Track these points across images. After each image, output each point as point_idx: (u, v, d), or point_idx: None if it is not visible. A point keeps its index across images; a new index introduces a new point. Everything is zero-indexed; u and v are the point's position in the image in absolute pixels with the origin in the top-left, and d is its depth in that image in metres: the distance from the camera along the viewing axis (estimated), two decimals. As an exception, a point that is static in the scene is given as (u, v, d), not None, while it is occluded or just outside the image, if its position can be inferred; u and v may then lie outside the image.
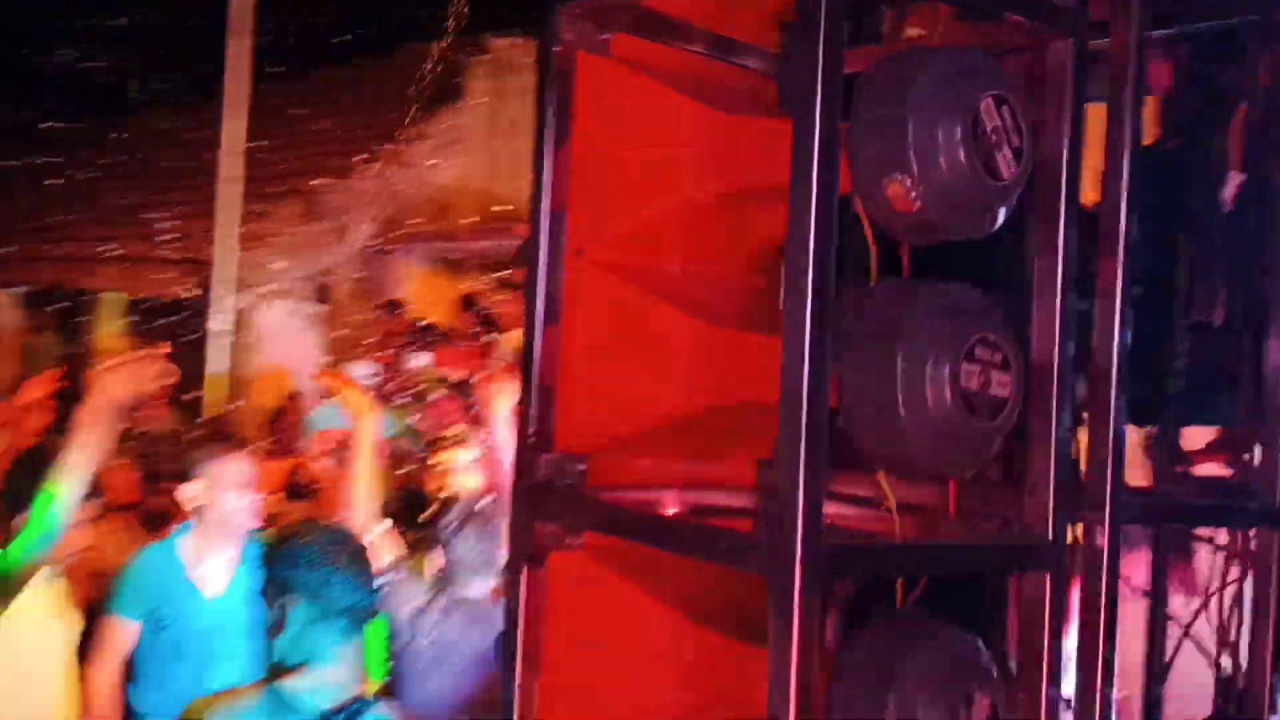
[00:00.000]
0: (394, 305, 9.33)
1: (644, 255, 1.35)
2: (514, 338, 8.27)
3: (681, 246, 1.36)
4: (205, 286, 9.39)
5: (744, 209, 1.50)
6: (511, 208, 9.69)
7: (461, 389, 7.52)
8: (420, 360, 7.60)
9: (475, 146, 10.40)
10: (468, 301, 8.93)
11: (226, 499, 3.70)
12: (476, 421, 7.52)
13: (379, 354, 8.08)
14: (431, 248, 10.21)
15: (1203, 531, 2.51)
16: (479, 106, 10.37)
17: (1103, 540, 1.84)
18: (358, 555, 2.32)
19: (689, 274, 1.39)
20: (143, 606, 3.69)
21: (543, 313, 1.38)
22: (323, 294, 10.31)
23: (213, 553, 3.73)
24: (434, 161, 10.51)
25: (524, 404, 1.74)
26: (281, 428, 7.21)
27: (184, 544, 3.77)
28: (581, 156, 1.55)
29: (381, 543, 3.58)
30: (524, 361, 1.60)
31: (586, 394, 1.62)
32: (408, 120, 10.59)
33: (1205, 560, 2.45)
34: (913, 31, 2.01)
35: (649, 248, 1.35)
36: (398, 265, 10.28)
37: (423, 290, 10.18)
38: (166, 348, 3.11)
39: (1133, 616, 2.42)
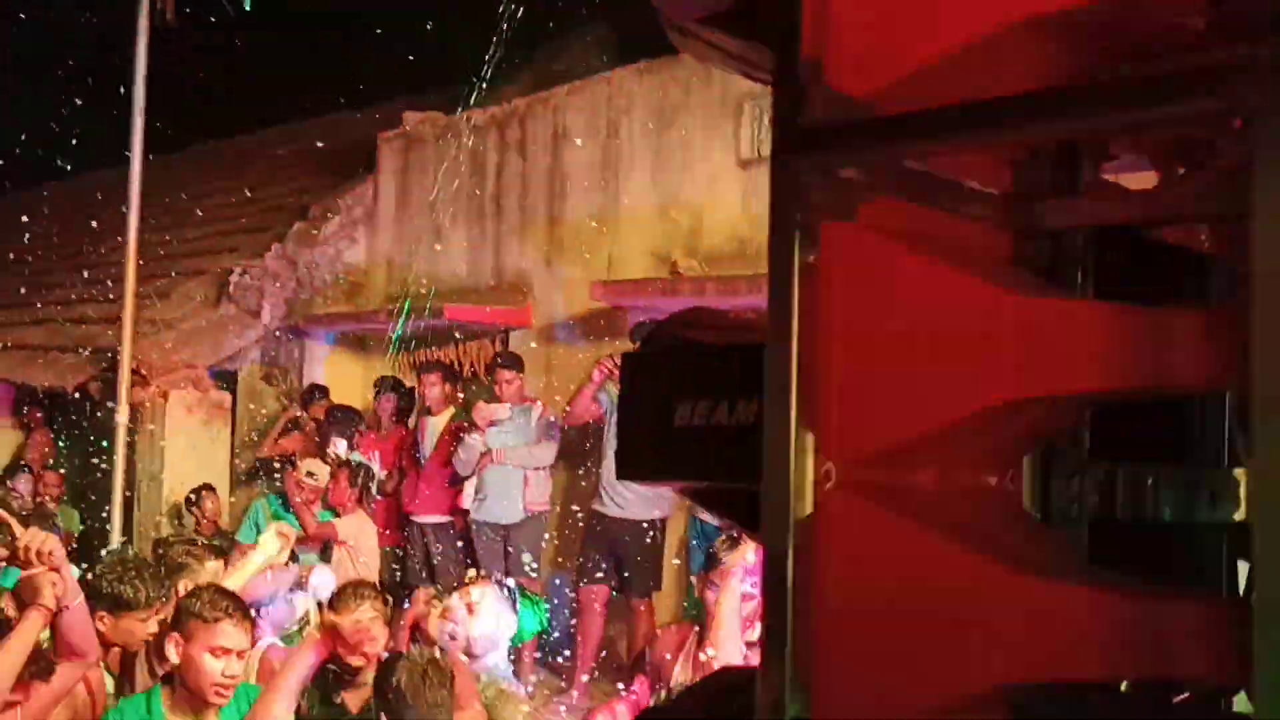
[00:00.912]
0: (316, 391, 8.88)
1: (900, 472, 0.99)
2: (439, 423, 7.94)
3: (941, 458, 0.99)
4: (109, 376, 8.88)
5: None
6: (425, 288, 9.40)
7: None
8: (339, 447, 7.20)
9: (386, 223, 10.07)
10: (387, 384, 8.54)
11: (205, 660, 3.32)
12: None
13: (300, 448, 7.64)
14: (342, 329, 9.82)
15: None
16: (390, 182, 10.06)
17: None
18: None
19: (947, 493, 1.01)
20: None
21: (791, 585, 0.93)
22: (230, 381, 9.82)
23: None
24: (344, 240, 10.14)
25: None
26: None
27: (162, 702, 3.39)
28: (833, 350, 1.07)
29: None
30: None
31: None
32: (318, 197, 10.22)
33: None
34: None
35: (906, 463, 0.99)
36: (308, 349, 9.85)
37: (335, 374, 9.77)
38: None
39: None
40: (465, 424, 7.46)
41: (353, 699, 3.65)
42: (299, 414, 8.27)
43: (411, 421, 8.43)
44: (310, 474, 6.84)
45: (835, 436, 1.01)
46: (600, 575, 7.02)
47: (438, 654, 3.49)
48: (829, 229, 1.03)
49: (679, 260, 7.50)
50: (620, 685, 5.91)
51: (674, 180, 7.92)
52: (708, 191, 7.72)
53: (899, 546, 0.94)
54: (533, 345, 8.37)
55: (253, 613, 3.66)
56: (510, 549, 7.28)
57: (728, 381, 1.36)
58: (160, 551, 4.94)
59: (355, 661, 3.65)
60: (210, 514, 8.81)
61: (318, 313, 9.71)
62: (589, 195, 8.47)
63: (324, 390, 8.83)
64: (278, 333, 9.88)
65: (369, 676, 3.62)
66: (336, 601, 3.76)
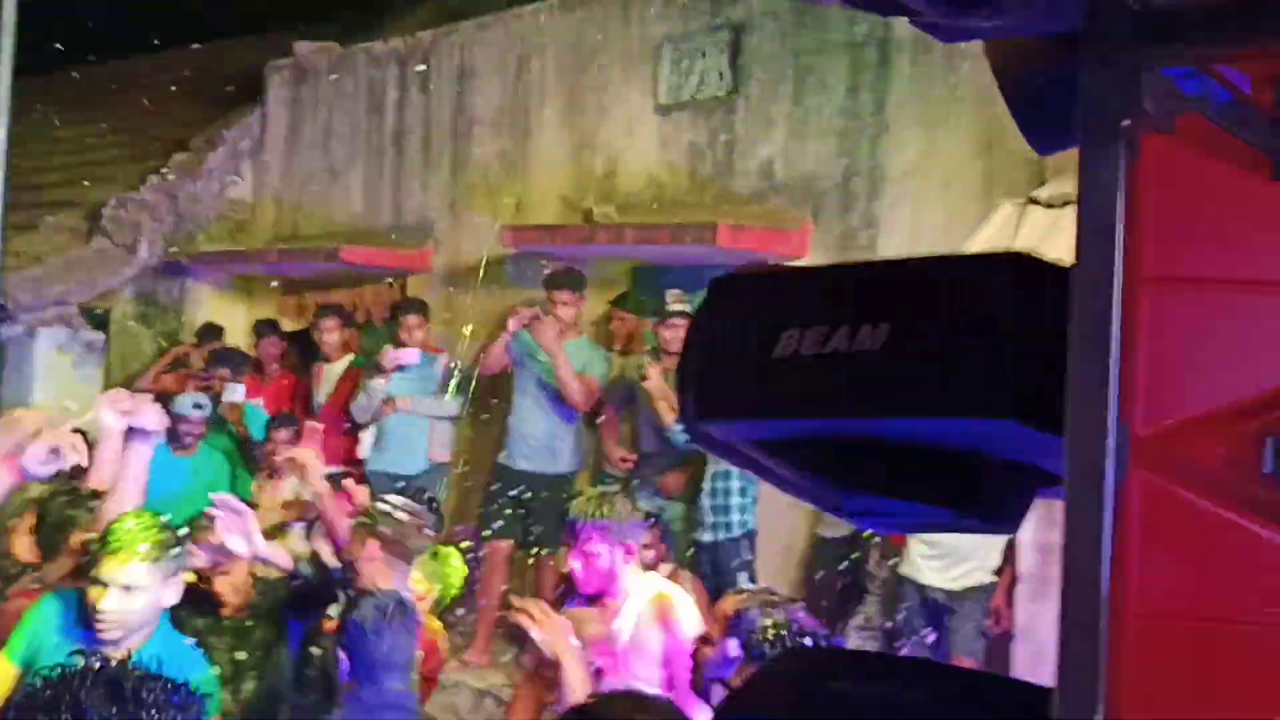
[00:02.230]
0: (210, 331, 8.36)
1: (1213, 445, 0.79)
2: (335, 370, 7.57)
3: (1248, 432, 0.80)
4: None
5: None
6: (317, 229, 8.96)
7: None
8: (235, 394, 6.79)
9: (275, 158, 9.56)
10: (269, 328, 8.12)
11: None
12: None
13: (199, 384, 7.18)
14: (227, 269, 9.30)
15: None
16: (279, 115, 9.53)
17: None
18: None
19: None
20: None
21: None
22: (102, 321, 9.24)
23: None
24: (229, 175, 9.60)
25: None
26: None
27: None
28: (1142, 291, 0.83)
29: None
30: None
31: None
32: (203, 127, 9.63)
33: None
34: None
35: (1222, 434, 0.79)
36: (189, 288, 9.31)
37: (217, 316, 9.26)
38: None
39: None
40: (368, 369, 7.12)
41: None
42: (189, 351, 7.76)
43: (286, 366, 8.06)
44: (198, 406, 6.42)
45: (1141, 397, 0.83)
46: (505, 529, 6.80)
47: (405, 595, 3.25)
48: (1145, 141, 0.84)
49: (594, 207, 7.26)
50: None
51: (588, 124, 7.66)
52: (624, 136, 7.48)
53: (1215, 537, 0.78)
54: (434, 291, 8.04)
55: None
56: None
57: (846, 304, 1.17)
58: (41, 514, 4.57)
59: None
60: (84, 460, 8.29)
61: (201, 250, 9.17)
62: (497, 137, 8.15)
63: (218, 330, 8.34)
64: (156, 270, 9.32)
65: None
66: None
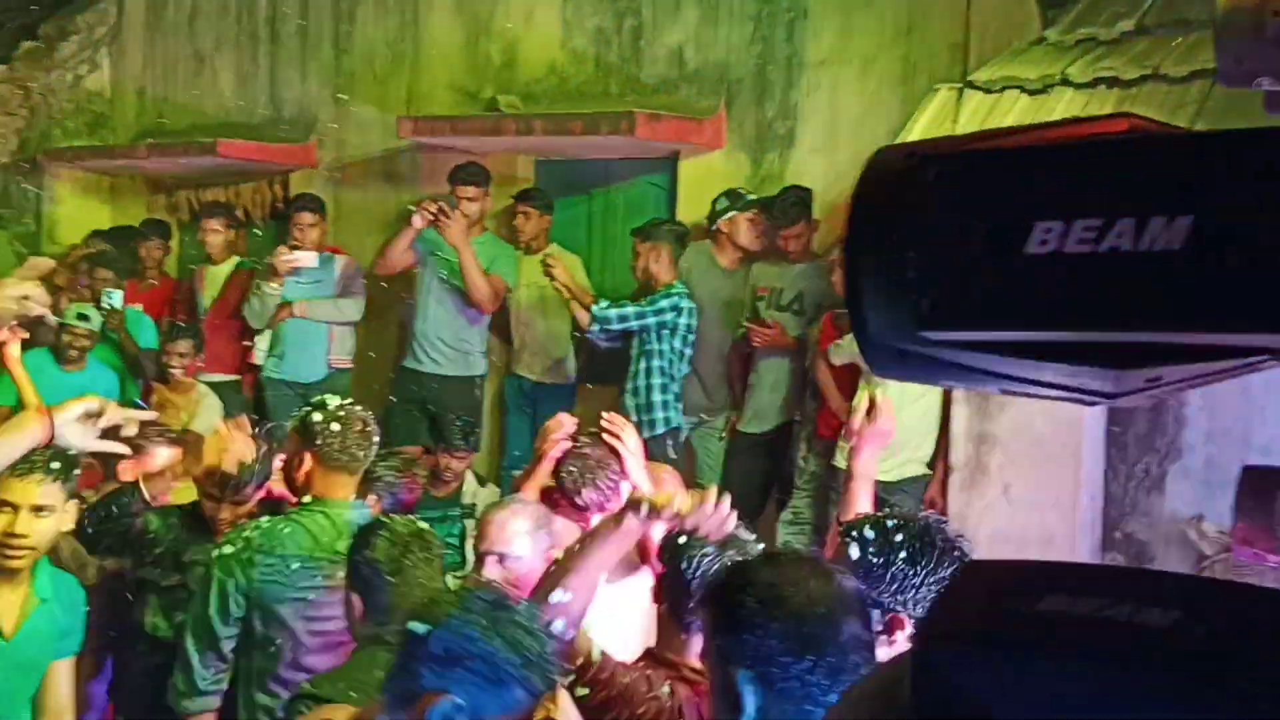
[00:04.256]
0: (103, 236, 7.71)
1: None
2: (221, 273, 7.11)
3: None
4: None
5: None
6: (185, 122, 8.36)
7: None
8: (115, 299, 6.30)
9: (135, 46, 8.84)
10: (155, 228, 7.58)
11: None
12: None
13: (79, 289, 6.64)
14: (89, 165, 8.62)
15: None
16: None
17: None
18: None
19: None
20: None
21: None
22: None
23: None
24: (84, 64, 8.85)
25: None
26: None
27: None
28: None
29: None
30: None
31: None
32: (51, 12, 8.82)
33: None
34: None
35: None
36: (47, 187, 8.61)
37: (78, 217, 8.61)
38: None
39: None
40: (261, 272, 6.70)
41: None
42: (88, 251, 7.14)
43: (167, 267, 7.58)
44: (82, 316, 5.94)
45: None
46: (412, 434, 6.55)
47: (424, 525, 2.94)
48: None
49: (499, 96, 6.91)
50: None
51: (484, 7, 7.25)
52: (523, 22, 7.11)
53: None
54: (318, 189, 7.59)
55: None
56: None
57: (1124, 190, 0.98)
58: None
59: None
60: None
61: (59, 146, 8.47)
62: (382, 22, 7.66)
63: (116, 234, 7.70)
64: (8, 169, 8.59)
65: None
66: None
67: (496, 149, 6.82)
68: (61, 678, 3.22)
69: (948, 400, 5.02)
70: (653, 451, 5.94)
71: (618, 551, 2.54)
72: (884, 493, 5.24)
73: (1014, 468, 4.69)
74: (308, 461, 3.40)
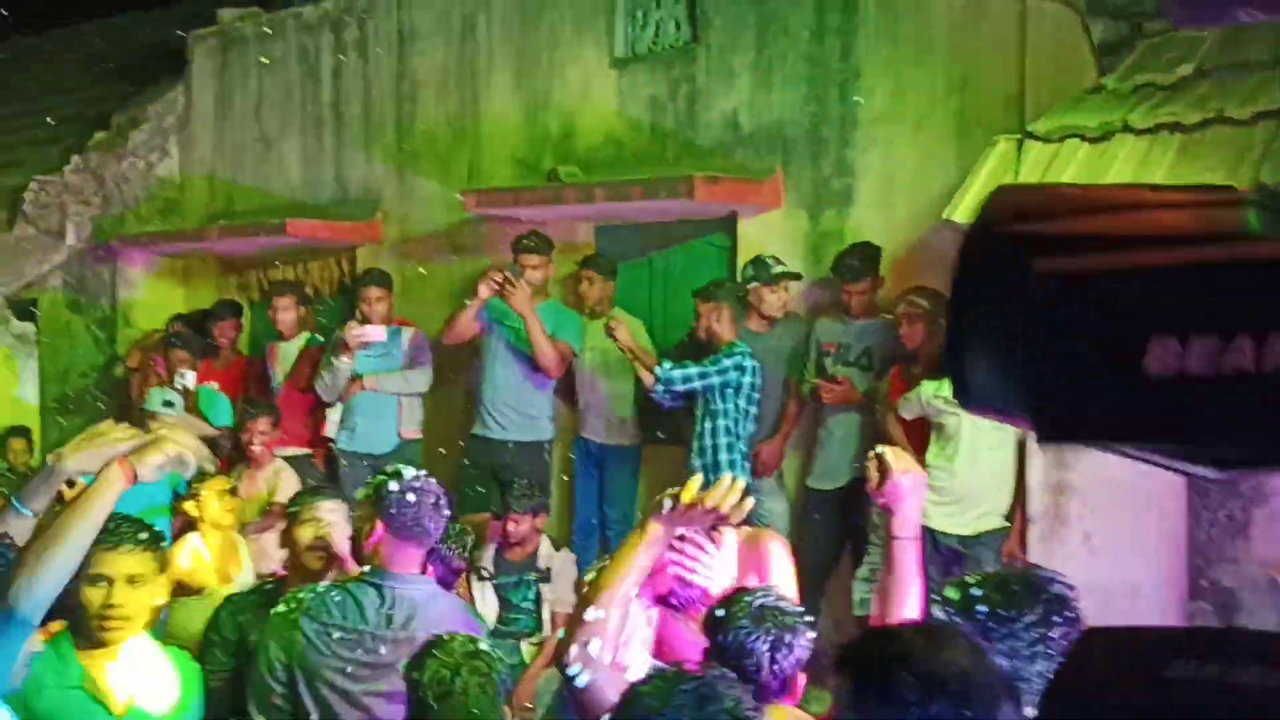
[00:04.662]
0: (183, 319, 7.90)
1: None
2: (292, 349, 7.26)
3: None
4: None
5: None
6: (254, 205, 8.60)
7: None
8: (188, 379, 6.47)
9: (204, 133, 9.14)
10: (228, 308, 7.77)
11: (84, 592, 2.83)
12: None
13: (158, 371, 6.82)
14: (162, 249, 8.87)
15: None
16: (205, 87, 9.11)
17: None
18: None
19: None
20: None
21: None
22: (30, 311, 8.78)
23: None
24: (154, 151, 9.15)
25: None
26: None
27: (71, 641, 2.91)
28: None
29: None
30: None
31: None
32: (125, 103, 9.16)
33: None
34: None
35: None
36: (121, 272, 8.87)
37: (153, 300, 8.85)
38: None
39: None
40: (330, 346, 6.84)
41: None
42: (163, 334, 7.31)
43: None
44: (168, 404, 6.10)
45: None
46: (483, 500, 6.61)
47: (473, 642, 2.81)
48: None
49: (559, 167, 7.04)
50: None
51: (541, 82, 7.42)
52: (580, 94, 7.27)
53: None
54: (384, 264, 7.75)
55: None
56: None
57: (1235, 303, 0.90)
58: None
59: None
60: (20, 459, 7.91)
61: (133, 232, 8.74)
62: (443, 100, 7.87)
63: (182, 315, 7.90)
64: (84, 255, 8.87)
65: None
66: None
67: (558, 218, 6.94)
68: None
69: (1022, 451, 4.99)
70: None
71: (649, 559, 2.53)
72: (962, 546, 5.22)
73: (1094, 517, 4.64)
74: (378, 530, 3.42)
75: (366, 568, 3.43)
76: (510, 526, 5.57)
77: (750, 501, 2.52)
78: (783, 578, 3.56)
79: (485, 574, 5.49)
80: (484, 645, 2.69)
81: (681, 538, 3.35)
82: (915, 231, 6.00)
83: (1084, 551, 4.69)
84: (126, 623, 3.01)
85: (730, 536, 3.57)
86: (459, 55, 7.77)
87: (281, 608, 3.39)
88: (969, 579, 2.30)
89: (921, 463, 4.75)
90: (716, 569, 3.36)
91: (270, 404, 6.69)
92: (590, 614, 2.39)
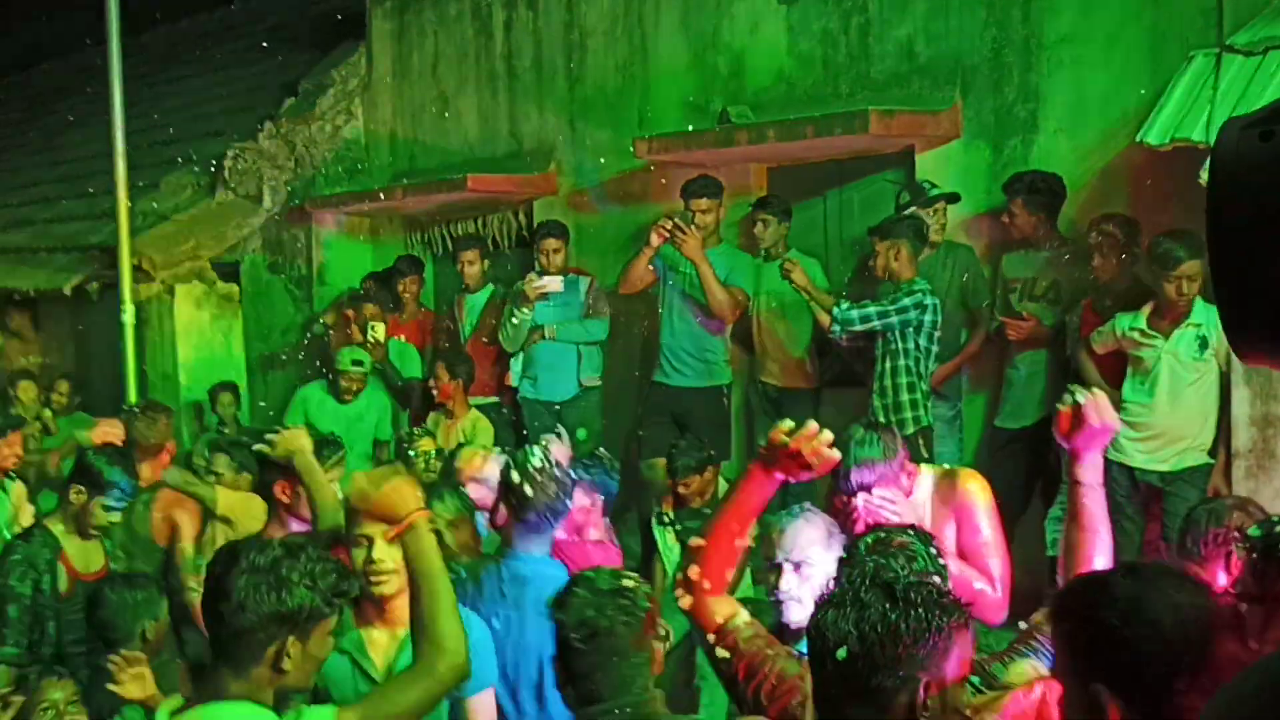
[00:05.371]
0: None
1: None
2: (478, 301, 7.45)
3: None
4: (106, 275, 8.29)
5: None
6: (435, 161, 8.81)
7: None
8: (378, 332, 6.72)
9: (385, 94, 9.40)
10: (411, 264, 8.02)
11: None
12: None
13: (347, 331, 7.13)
14: (352, 209, 9.20)
15: None
16: (385, 49, 9.36)
17: None
18: None
19: None
20: None
21: None
22: (233, 273, 9.26)
23: None
24: (340, 114, 9.47)
25: None
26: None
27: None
28: None
29: None
30: None
31: None
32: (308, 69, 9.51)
33: None
34: None
35: None
36: (314, 233, 9.25)
37: (343, 258, 9.21)
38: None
39: None
40: (512, 297, 6.99)
41: None
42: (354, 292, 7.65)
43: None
44: (357, 362, 6.37)
45: None
46: (663, 446, 6.66)
47: (617, 579, 2.71)
48: None
49: (729, 108, 6.96)
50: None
51: (708, 22, 7.33)
52: (749, 31, 7.15)
53: None
54: (561, 214, 7.85)
55: None
56: (564, 426, 6.89)
57: None
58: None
59: None
60: (228, 411, 8.38)
61: (324, 194, 9.09)
62: (611, 49, 7.87)
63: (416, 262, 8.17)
64: (280, 218, 9.28)
65: None
66: None
67: (730, 161, 6.87)
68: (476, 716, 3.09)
69: (1226, 384, 4.71)
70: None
71: (747, 496, 2.58)
72: (1162, 484, 4.97)
73: (1306, 451, 4.36)
74: (502, 514, 3.49)
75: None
76: (680, 490, 5.60)
77: (837, 454, 2.53)
78: (984, 517, 3.49)
79: (666, 519, 5.54)
80: (628, 581, 2.64)
81: (869, 488, 3.33)
82: (1106, 157, 5.70)
83: (1296, 488, 4.41)
84: (391, 575, 3.03)
85: (925, 479, 3.52)
86: (626, 1, 7.74)
87: None
88: (1275, 518, 2.19)
89: (1118, 400, 4.56)
90: (907, 515, 3.31)
91: (466, 356, 6.89)
92: (693, 540, 2.51)
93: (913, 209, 5.95)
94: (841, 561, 2.71)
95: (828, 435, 2.49)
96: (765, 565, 3.13)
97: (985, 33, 6.23)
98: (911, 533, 2.74)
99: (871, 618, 1.83)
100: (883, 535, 2.71)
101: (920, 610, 1.83)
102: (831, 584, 2.22)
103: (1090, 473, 2.67)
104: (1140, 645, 1.60)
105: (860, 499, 3.32)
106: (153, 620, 3.80)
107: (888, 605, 1.84)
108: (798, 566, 2.99)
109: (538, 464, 3.46)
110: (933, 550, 2.68)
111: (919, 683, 1.80)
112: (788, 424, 2.53)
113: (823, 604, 1.94)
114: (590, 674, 2.52)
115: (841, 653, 1.83)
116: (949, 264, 6.05)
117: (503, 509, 3.48)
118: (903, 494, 3.41)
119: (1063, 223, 5.74)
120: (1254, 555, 2.08)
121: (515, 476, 3.42)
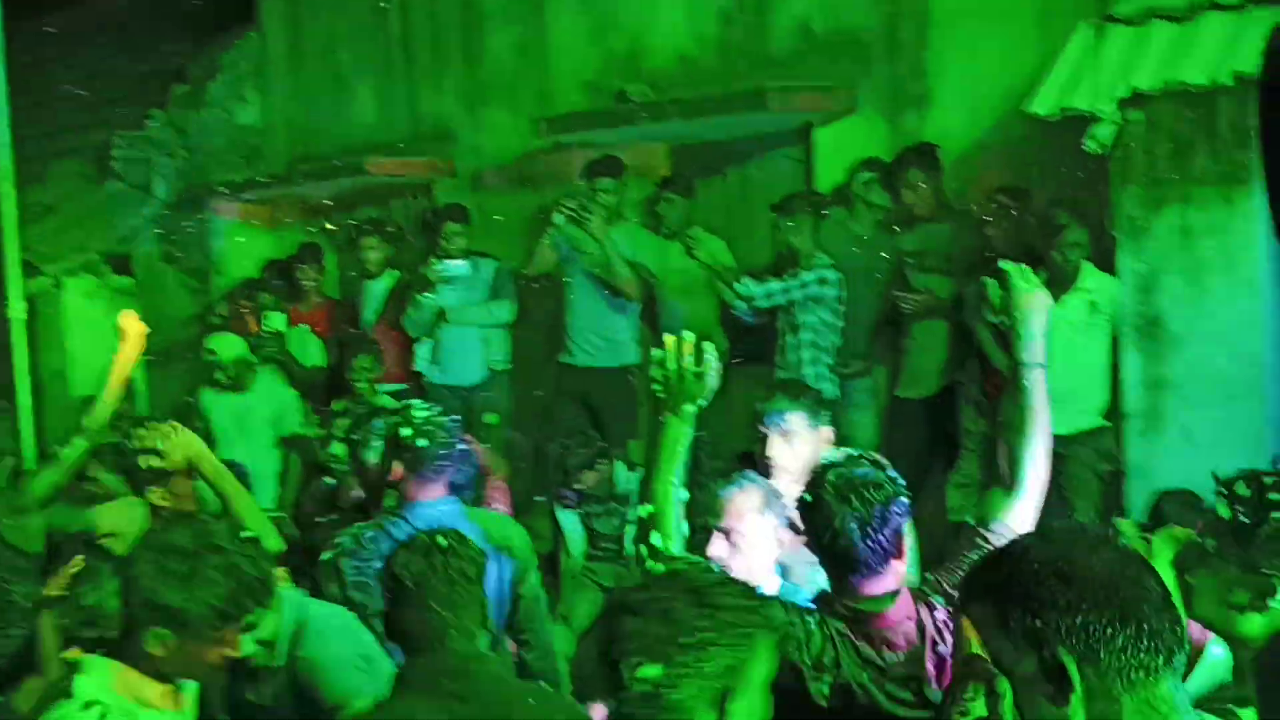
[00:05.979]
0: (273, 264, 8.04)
1: None
2: (380, 287, 7.34)
3: None
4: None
5: None
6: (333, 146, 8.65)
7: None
8: (278, 322, 6.59)
9: (279, 78, 9.19)
10: (313, 252, 7.87)
11: None
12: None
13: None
14: (247, 196, 8.98)
15: None
16: (277, 32, 9.14)
17: None
18: None
19: None
20: None
21: None
22: (126, 264, 9.00)
23: None
24: (233, 100, 9.24)
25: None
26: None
27: None
28: None
29: None
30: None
31: None
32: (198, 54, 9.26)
33: None
34: None
35: None
36: (209, 221, 9.01)
37: (243, 247, 9.00)
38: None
39: None
40: (416, 283, 6.90)
41: None
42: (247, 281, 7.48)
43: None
44: (211, 351, 6.27)
45: None
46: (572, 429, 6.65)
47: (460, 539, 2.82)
48: None
49: (629, 87, 6.95)
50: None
51: (607, 3, 7.30)
52: (647, 11, 7.14)
53: None
54: (461, 197, 7.76)
55: None
56: (473, 410, 6.85)
57: None
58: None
59: None
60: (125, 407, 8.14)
61: (219, 182, 8.86)
62: (509, 28, 7.79)
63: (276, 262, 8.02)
64: (173, 207, 9.04)
65: None
66: None
67: (631, 140, 6.86)
68: None
69: (1115, 347, 4.85)
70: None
71: (681, 446, 2.60)
72: (1061, 449, 5.09)
73: (1193, 411, 4.51)
74: (397, 470, 3.57)
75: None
76: (576, 487, 5.62)
77: (713, 368, 2.59)
78: None
79: (567, 501, 5.56)
80: (447, 542, 2.71)
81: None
82: (998, 129, 5.81)
83: (1185, 448, 4.56)
84: None
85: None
86: (523, -21, 7.68)
87: (327, 554, 3.55)
88: (1265, 475, 2.20)
89: (1014, 369, 4.66)
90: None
91: (371, 341, 6.79)
92: (641, 509, 2.59)
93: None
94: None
95: (690, 344, 2.56)
96: (698, 529, 3.16)
97: (879, 8, 6.31)
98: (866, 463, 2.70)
99: None
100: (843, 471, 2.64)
101: None
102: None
103: (1030, 351, 2.65)
104: (1082, 605, 1.51)
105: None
106: None
107: None
108: (728, 534, 3.01)
109: (423, 415, 3.56)
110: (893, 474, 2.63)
111: None
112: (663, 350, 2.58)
113: None
114: (405, 626, 2.67)
115: None
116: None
117: (396, 466, 3.55)
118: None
119: (953, 194, 5.85)
120: (1240, 515, 2.10)
121: (407, 431, 3.48)
